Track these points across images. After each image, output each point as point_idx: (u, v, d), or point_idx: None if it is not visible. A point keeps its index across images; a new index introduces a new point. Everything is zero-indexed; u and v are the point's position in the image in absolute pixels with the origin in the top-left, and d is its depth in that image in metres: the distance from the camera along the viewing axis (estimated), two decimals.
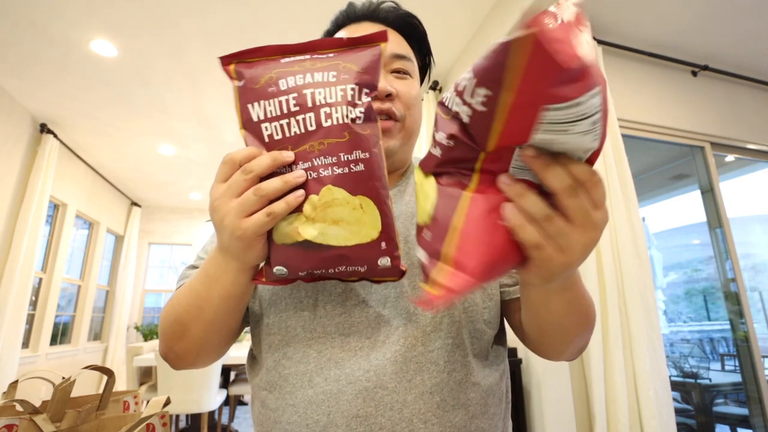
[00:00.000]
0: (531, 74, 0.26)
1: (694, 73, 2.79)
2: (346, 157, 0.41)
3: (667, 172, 3.10)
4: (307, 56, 0.45)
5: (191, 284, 0.52)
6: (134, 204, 6.04)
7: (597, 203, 0.32)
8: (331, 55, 0.45)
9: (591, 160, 0.32)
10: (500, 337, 0.61)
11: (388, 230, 0.42)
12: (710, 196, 2.69)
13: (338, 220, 0.41)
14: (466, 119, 0.33)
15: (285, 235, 0.42)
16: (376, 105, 0.57)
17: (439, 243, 0.36)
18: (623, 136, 2.31)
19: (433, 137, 0.38)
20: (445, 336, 0.52)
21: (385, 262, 0.43)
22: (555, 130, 0.28)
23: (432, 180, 0.39)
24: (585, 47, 0.25)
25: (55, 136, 3.78)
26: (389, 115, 0.59)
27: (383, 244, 0.42)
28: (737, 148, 2.87)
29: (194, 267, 0.61)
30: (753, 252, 3.26)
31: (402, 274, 0.45)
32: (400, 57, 0.61)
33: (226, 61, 0.46)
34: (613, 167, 2.08)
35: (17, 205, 3.51)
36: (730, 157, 2.94)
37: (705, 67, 2.75)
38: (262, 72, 0.44)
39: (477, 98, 0.31)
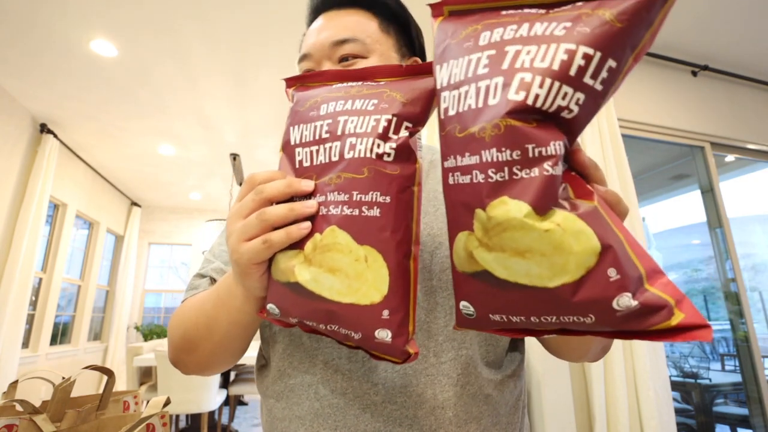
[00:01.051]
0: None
1: (694, 73, 2.79)
2: (359, 197, 0.35)
3: (667, 172, 3.10)
4: (360, 83, 0.41)
5: (201, 302, 0.50)
6: (134, 204, 6.04)
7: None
8: (383, 82, 0.40)
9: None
10: (516, 343, 0.58)
11: (397, 297, 0.35)
12: (710, 196, 2.69)
13: (336, 269, 0.35)
14: (573, 112, 0.28)
15: (281, 272, 0.37)
16: None
17: (633, 269, 0.27)
18: (623, 136, 2.31)
19: (538, 156, 0.28)
20: (459, 346, 0.49)
21: (384, 335, 0.34)
22: None
23: (563, 212, 0.28)
24: None
25: (55, 136, 3.78)
26: None
27: (386, 313, 0.34)
28: (737, 148, 2.87)
29: (202, 276, 0.59)
30: (753, 252, 3.26)
31: (407, 358, 0.35)
32: (341, 42, 0.54)
33: (289, 83, 0.44)
34: (613, 167, 2.08)
35: (17, 205, 3.51)
36: (730, 157, 2.94)
37: (705, 67, 2.75)
38: (311, 95, 0.42)
39: (603, 74, 0.28)
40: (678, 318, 0.26)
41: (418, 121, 0.37)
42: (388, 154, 0.36)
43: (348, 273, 0.34)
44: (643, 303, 0.27)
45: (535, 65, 0.28)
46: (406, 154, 0.36)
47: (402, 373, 0.47)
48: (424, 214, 0.55)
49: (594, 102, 0.29)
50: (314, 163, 0.38)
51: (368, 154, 0.36)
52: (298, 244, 0.36)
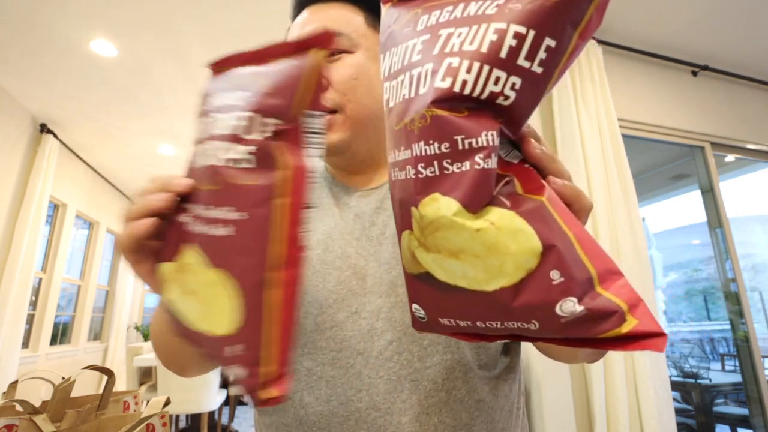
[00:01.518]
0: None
1: (694, 73, 2.79)
2: (212, 212, 0.30)
3: (667, 172, 3.10)
4: (252, 68, 0.35)
5: (156, 318, 0.50)
6: None
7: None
8: (264, 68, 0.34)
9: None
10: (510, 345, 0.55)
11: (250, 333, 0.28)
12: (710, 196, 2.69)
13: (191, 292, 0.31)
14: (510, 98, 0.25)
15: (164, 285, 0.34)
16: None
17: (582, 270, 0.25)
18: (623, 136, 2.31)
19: (467, 149, 0.25)
20: (444, 350, 0.47)
21: (238, 373, 0.29)
22: None
23: (500, 210, 0.25)
24: None
25: (55, 136, 3.78)
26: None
27: (239, 349, 0.29)
28: (737, 148, 2.87)
29: None
30: (753, 252, 3.26)
31: (264, 402, 0.28)
32: (324, 38, 0.54)
33: (211, 67, 0.39)
34: (613, 167, 2.08)
35: (17, 205, 3.51)
36: (730, 157, 2.94)
37: (705, 67, 2.75)
38: (211, 88, 0.37)
39: (540, 55, 0.25)
40: (630, 325, 0.24)
41: (285, 115, 0.30)
42: (246, 161, 0.29)
43: (202, 297, 0.30)
44: (590, 309, 0.24)
45: (464, 48, 0.26)
46: (266, 159, 0.29)
47: (386, 378, 0.46)
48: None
49: (535, 86, 0.26)
50: (196, 166, 0.33)
51: (219, 161, 0.30)
52: (171, 256, 0.32)
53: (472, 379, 0.47)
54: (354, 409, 0.45)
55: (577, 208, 0.28)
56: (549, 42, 0.25)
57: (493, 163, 0.25)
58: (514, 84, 0.25)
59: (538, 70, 0.25)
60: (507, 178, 0.27)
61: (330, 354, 0.48)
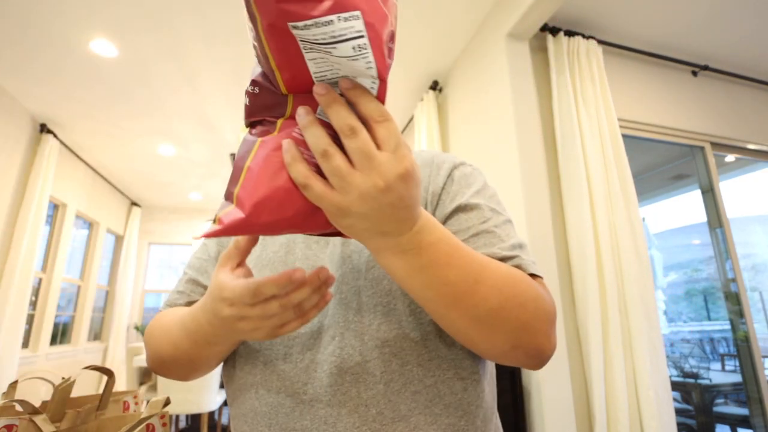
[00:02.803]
0: None
1: (694, 73, 2.80)
2: None
3: (667, 172, 3.10)
4: None
5: (179, 339, 0.52)
6: (134, 204, 6.03)
7: (380, 144, 0.32)
8: None
9: (380, 97, 0.32)
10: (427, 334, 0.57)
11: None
12: (710, 196, 2.69)
13: None
14: (259, 61, 0.32)
15: None
16: None
17: (232, 185, 0.35)
18: (623, 136, 2.31)
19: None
20: (383, 344, 0.49)
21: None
22: (317, 53, 0.29)
23: (245, 132, 0.37)
24: None
25: (55, 136, 3.78)
26: None
27: None
28: (737, 148, 2.87)
29: (181, 292, 0.63)
30: (753, 252, 3.26)
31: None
32: None
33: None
34: (613, 167, 2.08)
35: (17, 205, 3.51)
36: (730, 157, 2.94)
37: (705, 67, 2.75)
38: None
39: (251, 33, 0.30)
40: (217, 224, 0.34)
41: None
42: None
43: None
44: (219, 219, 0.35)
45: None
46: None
47: (329, 372, 0.49)
48: None
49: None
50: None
51: None
52: None
53: (411, 371, 0.49)
54: (299, 401, 0.49)
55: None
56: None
57: (256, 90, 0.35)
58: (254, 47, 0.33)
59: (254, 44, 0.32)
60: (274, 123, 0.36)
61: (283, 350, 0.52)
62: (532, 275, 0.49)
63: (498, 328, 0.42)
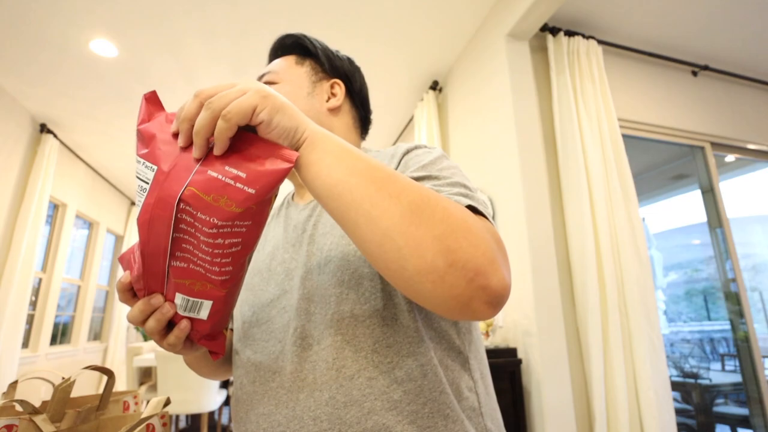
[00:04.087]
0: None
1: (694, 73, 2.80)
2: None
3: (667, 172, 3.10)
4: None
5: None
6: (134, 204, 6.03)
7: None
8: None
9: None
10: (428, 322, 0.55)
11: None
12: (710, 196, 2.69)
13: None
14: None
15: None
16: None
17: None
18: (623, 136, 2.31)
19: None
20: (335, 333, 0.52)
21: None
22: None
23: None
24: (154, 125, 0.41)
25: (55, 136, 3.78)
26: None
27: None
28: (737, 148, 2.87)
29: None
30: (753, 252, 3.26)
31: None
32: (261, 76, 0.73)
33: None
34: (613, 167, 2.08)
35: (17, 205, 3.51)
36: (730, 157, 2.94)
37: (705, 67, 2.75)
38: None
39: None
40: None
41: None
42: None
43: None
44: None
45: None
46: None
47: (291, 361, 0.53)
48: (324, 215, 0.62)
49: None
50: None
51: None
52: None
53: (364, 358, 0.51)
54: (268, 389, 0.54)
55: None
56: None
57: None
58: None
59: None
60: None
61: (261, 344, 0.58)
62: (473, 210, 0.47)
63: (425, 223, 0.38)
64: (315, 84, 0.72)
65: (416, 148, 0.61)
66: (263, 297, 0.62)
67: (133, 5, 2.34)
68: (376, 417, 0.48)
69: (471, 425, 0.52)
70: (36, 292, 4.03)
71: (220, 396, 3.04)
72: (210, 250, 0.39)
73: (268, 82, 0.71)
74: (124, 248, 5.75)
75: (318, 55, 0.75)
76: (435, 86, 3.04)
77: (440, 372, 0.52)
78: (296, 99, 0.70)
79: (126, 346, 4.99)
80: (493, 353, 1.87)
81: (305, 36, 0.76)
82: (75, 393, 4.80)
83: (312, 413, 0.49)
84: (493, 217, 1.61)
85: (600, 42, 2.37)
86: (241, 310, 0.65)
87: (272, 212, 0.76)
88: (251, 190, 0.37)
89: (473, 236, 0.39)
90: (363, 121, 0.78)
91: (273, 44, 0.78)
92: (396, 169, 0.59)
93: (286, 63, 0.74)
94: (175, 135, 0.41)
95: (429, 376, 0.51)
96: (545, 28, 2.26)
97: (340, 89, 0.73)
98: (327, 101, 0.72)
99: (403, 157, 0.60)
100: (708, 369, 2.89)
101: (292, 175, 0.71)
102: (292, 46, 0.76)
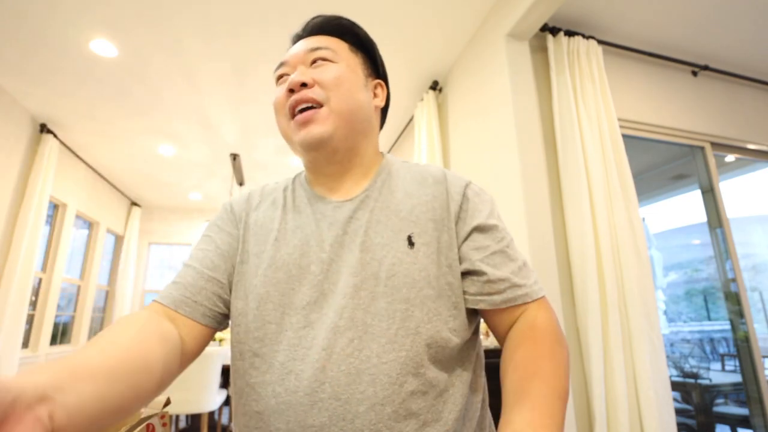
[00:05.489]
0: None
1: (694, 73, 2.79)
2: None
3: (667, 172, 3.10)
4: None
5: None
6: (134, 204, 6.03)
7: None
8: None
9: None
10: (471, 342, 0.61)
11: None
12: (710, 196, 2.69)
13: None
14: None
15: None
16: (294, 96, 0.62)
17: None
18: (623, 136, 2.31)
19: None
20: (399, 348, 0.53)
21: None
22: None
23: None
24: None
25: (55, 136, 3.78)
26: (308, 102, 0.62)
27: None
28: (737, 148, 2.87)
29: (177, 283, 0.62)
30: (753, 252, 3.26)
31: None
32: (313, 49, 0.65)
33: None
34: (613, 167, 2.08)
35: (17, 205, 3.51)
36: (730, 157, 2.94)
37: (705, 67, 2.75)
38: None
39: None
40: None
41: None
42: None
43: None
44: None
45: None
46: None
47: (347, 372, 0.51)
48: (375, 222, 0.60)
49: None
50: None
51: None
52: None
53: (424, 374, 0.53)
54: (317, 399, 0.51)
55: None
56: None
57: None
58: None
59: None
60: None
61: (301, 351, 0.54)
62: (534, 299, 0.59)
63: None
64: (366, 78, 0.69)
65: (470, 183, 0.67)
66: (295, 298, 0.57)
67: (133, 5, 2.34)
68: (429, 429, 0.52)
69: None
70: (36, 292, 4.03)
71: (220, 396, 3.04)
72: None
73: (322, 58, 0.65)
74: (124, 248, 5.75)
75: (373, 52, 0.72)
76: (435, 86, 3.04)
77: (475, 392, 0.60)
78: (355, 86, 0.66)
79: None
80: (492, 353, 1.87)
81: (358, 25, 0.72)
82: None
83: (373, 427, 0.50)
84: None
85: (600, 42, 2.37)
86: (261, 307, 0.58)
87: (275, 198, 0.69)
88: None
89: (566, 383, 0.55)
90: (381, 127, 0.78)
91: (318, 19, 0.71)
92: (461, 202, 0.63)
93: (340, 45, 0.68)
94: None
95: (468, 396, 0.57)
96: (545, 28, 2.26)
97: (382, 91, 0.72)
98: (373, 99, 0.70)
99: (464, 191, 0.65)
100: (708, 369, 2.89)
101: (313, 158, 0.66)
102: (342, 30, 0.70)
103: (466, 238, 0.61)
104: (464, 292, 0.60)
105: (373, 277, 0.56)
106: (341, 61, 0.66)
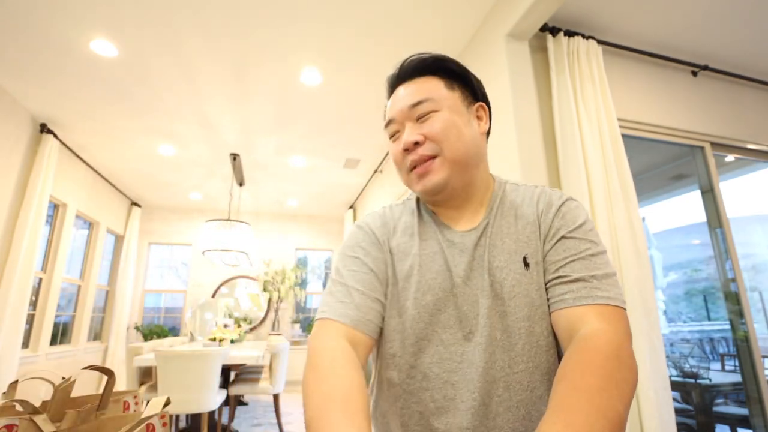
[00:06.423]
0: None
1: (694, 73, 2.79)
2: None
3: (667, 172, 3.10)
4: None
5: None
6: (134, 204, 6.04)
7: None
8: None
9: None
10: (560, 352, 0.68)
11: None
12: (710, 196, 2.69)
13: None
14: None
15: None
16: (411, 157, 0.69)
17: None
18: (623, 136, 2.31)
19: None
20: (527, 360, 0.63)
21: None
22: None
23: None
24: None
25: (55, 136, 3.78)
26: (424, 161, 0.69)
27: None
28: (737, 148, 2.87)
29: (345, 303, 0.67)
30: (753, 252, 3.26)
31: None
32: (415, 104, 0.70)
33: None
34: (613, 167, 2.08)
35: (17, 205, 3.51)
36: (730, 157, 2.94)
37: (705, 67, 2.75)
38: None
39: None
40: None
41: None
42: None
43: None
44: None
45: None
46: None
47: (487, 381, 0.62)
48: (492, 247, 0.68)
49: None
50: None
51: None
52: None
53: (548, 381, 0.64)
54: (460, 401, 0.63)
55: None
56: None
57: None
58: None
59: None
60: None
61: (453, 364, 0.65)
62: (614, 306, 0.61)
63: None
64: (468, 108, 0.73)
65: (569, 200, 0.71)
66: (441, 317, 0.67)
67: (133, 5, 2.34)
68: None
69: None
70: (36, 292, 4.04)
71: (220, 396, 3.04)
72: None
73: (429, 111, 0.69)
74: (124, 248, 5.75)
75: (469, 79, 0.75)
76: None
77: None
78: (461, 127, 0.69)
79: (126, 346, 4.98)
80: None
81: (449, 58, 0.74)
82: (75, 393, 4.79)
83: (512, 426, 0.61)
84: None
85: (600, 42, 2.37)
86: (414, 326, 0.67)
87: (406, 224, 0.75)
88: None
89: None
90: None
91: (412, 62, 0.74)
92: (553, 218, 0.68)
93: (436, 87, 0.71)
94: None
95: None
96: (545, 28, 2.26)
97: (484, 113, 0.75)
98: (479, 125, 0.74)
99: (559, 208, 0.69)
100: (708, 369, 2.89)
101: (433, 201, 0.74)
102: (435, 68, 0.73)
103: (554, 245, 0.66)
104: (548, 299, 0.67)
105: (499, 298, 0.65)
106: (443, 108, 0.70)
